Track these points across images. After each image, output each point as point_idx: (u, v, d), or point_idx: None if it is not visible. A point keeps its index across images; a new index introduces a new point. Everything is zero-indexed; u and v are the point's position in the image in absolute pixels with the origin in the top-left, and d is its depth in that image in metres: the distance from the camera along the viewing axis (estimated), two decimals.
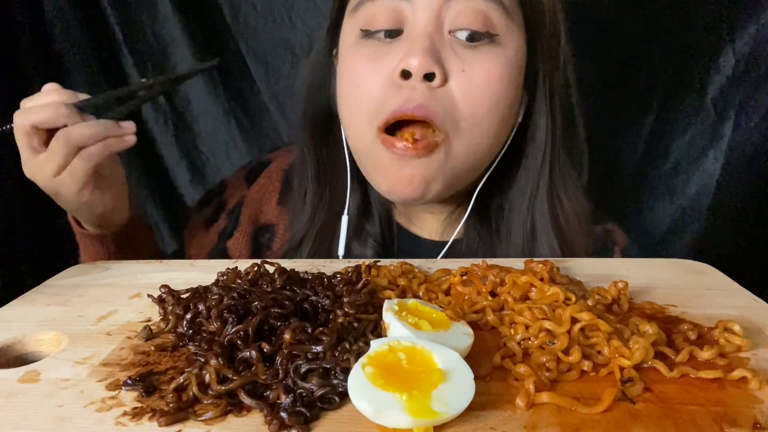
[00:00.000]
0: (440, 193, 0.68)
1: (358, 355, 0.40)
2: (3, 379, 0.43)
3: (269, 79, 1.12)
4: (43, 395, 0.40)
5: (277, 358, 0.42)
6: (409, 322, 0.44)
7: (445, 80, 0.63)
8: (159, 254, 0.85)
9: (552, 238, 0.71)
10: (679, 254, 0.79)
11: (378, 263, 0.61)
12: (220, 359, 0.41)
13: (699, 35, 1.00)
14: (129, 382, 0.41)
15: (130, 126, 0.68)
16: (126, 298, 0.57)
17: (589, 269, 0.62)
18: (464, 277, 0.56)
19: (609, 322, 0.46)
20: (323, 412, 0.38)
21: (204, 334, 0.46)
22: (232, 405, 0.39)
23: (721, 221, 1.05)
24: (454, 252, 0.75)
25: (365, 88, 0.66)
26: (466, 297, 0.54)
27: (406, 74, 0.62)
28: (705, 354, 0.44)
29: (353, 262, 0.62)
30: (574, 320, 0.46)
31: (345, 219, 0.75)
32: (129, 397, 0.40)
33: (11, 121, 0.64)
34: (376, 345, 0.40)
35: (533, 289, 0.53)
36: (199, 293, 0.52)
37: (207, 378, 0.40)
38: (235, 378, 0.40)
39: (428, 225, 0.79)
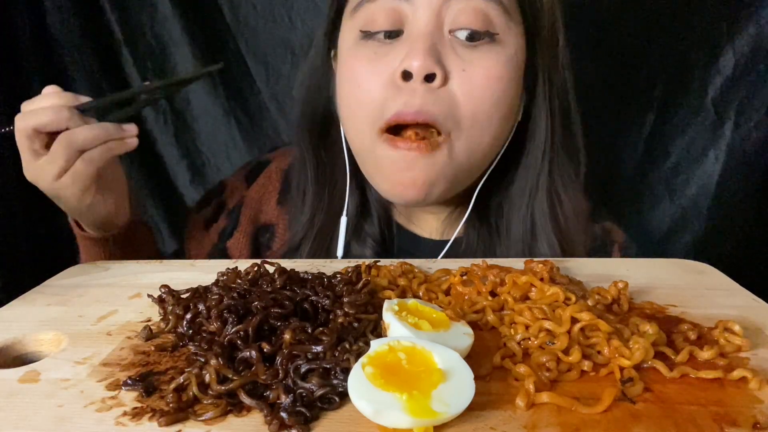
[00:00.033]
0: (443, 195, 0.68)
1: (358, 355, 0.40)
2: (3, 379, 0.43)
3: (269, 79, 1.12)
4: (43, 395, 0.40)
5: (277, 358, 0.42)
6: (409, 322, 0.44)
7: (445, 80, 0.63)
8: (159, 254, 0.85)
9: (551, 236, 0.71)
10: (679, 254, 0.79)
11: (378, 263, 0.61)
12: (220, 359, 0.41)
13: (699, 35, 1.00)
14: (129, 382, 0.41)
15: (132, 129, 0.67)
16: (126, 298, 0.57)
17: (589, 269, 0.62)
18: (464, 277, 0.56)
19: (609, 322, 0.46)
20: (323, 412, 0.38)
21: (204, 334, 0.46)
22: (232, 405, 0.39)
23: (721, 221, 1.05)
24: (453, 251, 0.75)
25: (366, 88, 0.66)
26: (466, 297, 0.54)
27: (407, 75, 0.62)
28: (705, 354, 0.44)
29: (353, 262, 0.62)
30: (574, 320, 0.46)
31: (344, 220, 0.75)
32: (129, 397, 0.40)
33: (11, 122, 0.63)
34: (376, 345, 0.40)
35: (533, 289, 0.53)
36: (199, 293, 0.52)
37: (207, 378, 0.40)
38: (235, 378, 0.40)
39: (428, 225, 0.79)
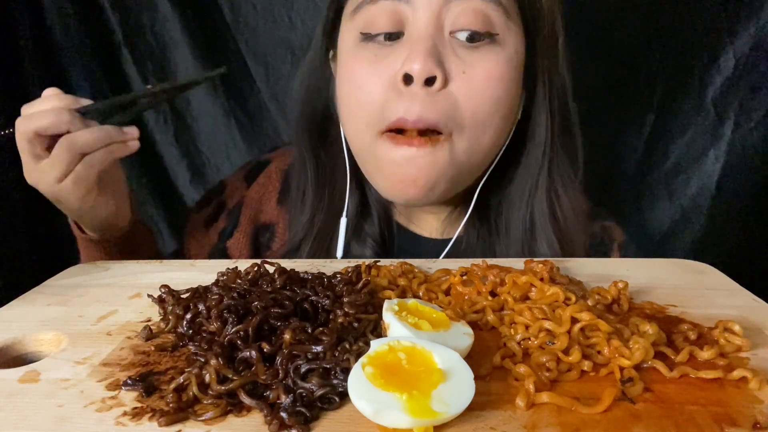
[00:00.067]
0: (443, 194, 0.69)
1: (358, 355, 0.40)
2: (3, 379, 0.43)
3: (269, 79, 1.12)
4: (43, 395, 0.40)
5: (277, 358, 0.42)
6: (409, 322, 0.44)
7: (445, 83, 0.63)
8: (159, 255, 0.85)
9: (551, 235, 0.72)
10: (679, 254, 0.79)
11: (378, 263, 0.61)
12: (220, 359, 0.41)
13: (699, 35, 1.00)
14: (129, 382, 0.41)
15: (133, 131, 0.67)
16: (126, 298, 0.57)
17: (589, 269, 0.62)
18: (464, 277, 0.56)
19: (609, 322, 0.46)
20: (323, 412, 0.38)
21: (204, 334, 0.46)
22: (232, 405, 0.39)
23: (721, 221, 1.05)
24: (453, 250, 0.75)
25: (366, 90, 0.66)
26: (466, 297, 0.54)
27: (408, 79, 0.62)
28: (705, 354, 0.44)
29: (353, 262, 0.62)
30: (574, 320, 0.46)
31: (343, 221, 0.75)
32: (129, 397, 0.40)
33: (11, 122, 0.63)
34: (376, 345, 0.40)
35: (533, 289, 0.53)
36: (199, 293, 0.52)
37: (207, 378, 0.40)
38: (235, 378, 0.40)
39: (428, 224, 0.79)
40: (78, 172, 0.64)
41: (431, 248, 0.77)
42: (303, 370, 0.41)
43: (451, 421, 0.37)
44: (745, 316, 0.50)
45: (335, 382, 0.40)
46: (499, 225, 0.75)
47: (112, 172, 0.69)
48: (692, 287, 0.58)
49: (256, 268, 0.56)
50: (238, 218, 0.82)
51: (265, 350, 0.42)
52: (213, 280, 0.55)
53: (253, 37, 1.10)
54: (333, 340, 0.43)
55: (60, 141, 0.62)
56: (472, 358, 0.42)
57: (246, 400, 0.39)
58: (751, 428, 0.36)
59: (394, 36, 0.65)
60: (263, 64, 1.11)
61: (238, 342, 0.44)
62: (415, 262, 0.63)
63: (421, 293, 0.55)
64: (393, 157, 0.65)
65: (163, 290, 0.54)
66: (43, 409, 0.39)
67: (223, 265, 0.59)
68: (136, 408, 0.39)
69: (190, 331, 0.47)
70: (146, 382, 0.41)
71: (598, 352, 0.44)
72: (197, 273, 0.62)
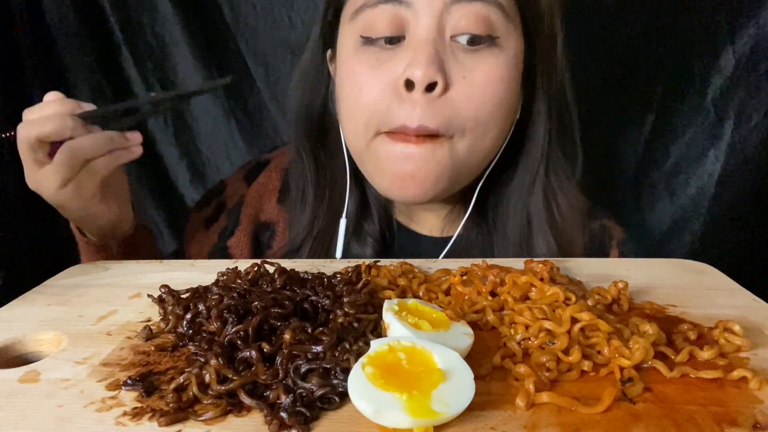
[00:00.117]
0: (443, 192, 0.69)
1: (358, 355, 0.40)
2: (3, 379, 0.43)
3: (269, 79, 1.12)
4: (43, 395, 0.40)
5: (277, 358, 0.42)
6: (409, 322, 0.44)
7: (446, 89, 0.63)
8: (159, 255, 0.85)
9: (547, 232, 0.72)
10: (679, 254, 0.79)
11: (378, 263, 0.61)
12: (220, 359, 0.41)
13: (699, 35, 1.00)
14: (129, 382, 0.41)
15: (136, 137, 0.66)
16: (126, 298, 0.57)
17: (589, 269, 0.62)
18: (464, 277, 0.56)
19: (609, 322, 0.46)
20: (323, 412, 0.38)
21: (204, 334, 0.46)
22: (232, 405, 0.39)
23: (721, 221, 1.05)
24: (453, 248, 0.76)
25: (367, 93, 0.66)
26: (466, 297, 0.54)
27: (409, 84, 0.62)
28: (705, 354, 0.44)
29: (353, 262, 0.62)
30: (574, 320, 0.46)
31: (343, 222, 0.75)
32: (129, 397, 0.40)
33: (10, 122, 0.63)
34: (376, 345, 0.40)
35: (533, 289, 0.53)
36: (199, 293, 0.52)
37: (207, 378, 0.40)
38: (235, 378, 0.40)
39: (428, 222, 0.79)
40: (81, 178, 0.63)
41: (431, 246, 0.77)
42: (303, 370, 0.41)
43: (451, 421, 0.37)
44: (745, 316, 0.50)
45: (335, 382, 0.40)
46: (497, 223, 0.76)
47: (115, 178, 0.69)
48: (692, 287, 0.58)
49: (256, 268, 0.56)
50: (238, 217, 0.82)
51: (265, 350, 0.42)
52: (213, 280, 0.55)
53: (253, 37, 1.10)
54: (333, 340, 0.43)
55: (62, 147, 0.61)
56: (472, 358, 0.42)
57: (246, 400, 0.39)
58: (751, 428, 0.36)
59: (394, 40, 0.65)
60: (263, 64, 1.11)
61: (238, 342, 0.44)
62: (415, 262, 0.63)
63: (421, 293, 0.55)
64: (392, 154, 0.65)
65: (163, 290, 0.54)
66: (43, 409, 0.39)
67: (223, 265, 0.59)
68: (136, 408, 0.39)
69: (190, 331, 0.47)
70: (146, 382, 0.41)
71: (598, 352, 0.44)
72: (197, 273, 0.62)
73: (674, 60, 1.02)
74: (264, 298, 0.48)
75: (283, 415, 0.37)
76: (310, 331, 0.45)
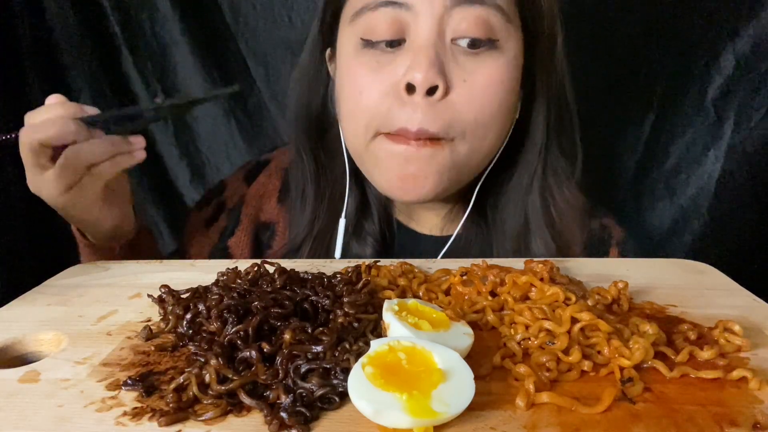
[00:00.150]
0: (443, 192, 0.69)
1: (358, 355, 0.40)
2: (3, 379, 0.43)
3: (269, 79, 1.12)
4: (43, 395, 0.40)
5: (277, 358, 0.42)
6: (409, 322, 0.44)
7: (446, 92, 0.63)
8: (159, 255, 0.85)
9: (545, 232, 0.72)
10: (679, 254, 0.79)
11: (378, 263, 0.61)
12: (220, 359, 0.41)
13: (699, 35, 1.00)
14: (129, 382, 0.41)
15: (139, 142, 0.66)
16: (126, 298, 0.57)
17: (589, 269, 0.62)
18: (464, 277, 0.56)
19: (609, 322, 0.46)
20: (323, 412, 0.38)
21: (204, 334, 0.46)
22: (232, 405, 0.39)
23: (721, 221, 1.05)
24: (453, 246, 0.76)
25: (367, 95, 0.66)
26: (466, 297, 0.54)
27: (410, 88, 0.62)
28: (705, 354, 0.44)
29: (353, 262, 0.62)
30: (574, 320, 0.46)
31: (342, 222, 0.75)
32: (129, 397, 0.40)
33: (11, 122, 0.63)
34: (376, 345, 0.40)
35: (533, 289, 0.53)
36: (199, 293, 0.52)
37: (207, 378, 0.40)
38: (235, 378, 0.40)
39: (428, 221, 0.79)
40: (84, 183, 0.63)
41: (431, 245, 0.77)
42: (303, 370, 0.41)
43: (451, 421, 0.37)
44: (745, 316, 0.50)
45: (335, 382, 0.40)
46: (496, 222, 0.76)
47: (117, 183, 0.68)
48: (692, 287, 0.58)
49: (256, 268, 0.56)
50: (238, 217, 0.82)
51: (265, 350, 0.42)
52: (213, 280, 0.55)
53: (253, 37, 1.10)
54: (333, 340, 0.43)
55: (65, 152, 0.61)
56: (472, 358, 0.42)
57: (246, 400, 0.39)
58: (751, 428, 0.36)
59: (395, 43, 0.64)
60: (263, 64, 1.11)
61: (238, 342, 0.44)
62: (415, 261, 0.63)
63: (421, 293, 0.55)
64: (392, 155, 0.66)
65: (163, 290, 0.54)
66: (43, 409, 0.39)
67: (223, 265, 0.59)
68: (136, 408, 0.39)
69: (190, 331, 0.47)
70: (146, 382, 0.41)
71: (598, 352, 0.44)
72: (197, 273, 0.62)
73: (674, 60, 1.02)
74: (264, 298, 0.48)
75: (283, 415, 0.37)
76: (310, 331, 0.45)
